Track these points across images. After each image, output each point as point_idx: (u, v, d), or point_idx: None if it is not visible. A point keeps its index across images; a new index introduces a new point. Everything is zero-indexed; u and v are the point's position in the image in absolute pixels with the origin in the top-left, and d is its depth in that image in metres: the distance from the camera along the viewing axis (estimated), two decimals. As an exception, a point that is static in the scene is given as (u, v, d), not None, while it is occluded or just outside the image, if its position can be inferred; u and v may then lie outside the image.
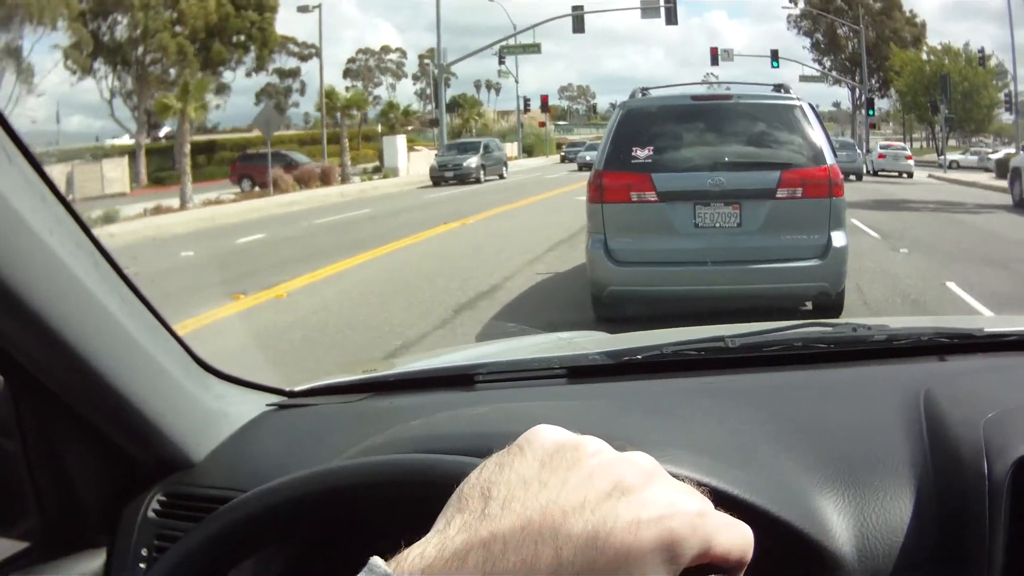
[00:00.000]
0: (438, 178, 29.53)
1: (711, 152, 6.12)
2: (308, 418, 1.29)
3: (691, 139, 6.26)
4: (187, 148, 25.60)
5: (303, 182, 29.30)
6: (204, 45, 41.23)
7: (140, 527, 1.09)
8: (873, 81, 52.75)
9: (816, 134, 6.06)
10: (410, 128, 54.87)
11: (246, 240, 14.56)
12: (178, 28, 39.94)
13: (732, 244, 5.91)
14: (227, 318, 7.75)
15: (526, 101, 59.49)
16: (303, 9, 43.30)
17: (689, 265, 5.92)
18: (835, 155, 6.16)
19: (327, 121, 43.27)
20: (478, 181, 29.63)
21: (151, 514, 1.09)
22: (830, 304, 6.01)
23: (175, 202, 23.28)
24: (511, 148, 57.47)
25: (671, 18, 36.46)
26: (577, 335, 2.08)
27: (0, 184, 0.82)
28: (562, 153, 50.38)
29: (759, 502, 0.80)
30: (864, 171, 29.69)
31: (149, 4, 38.62)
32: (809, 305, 6.19)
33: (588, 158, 35.09)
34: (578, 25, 37.27)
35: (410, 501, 0.73)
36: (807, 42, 60.18)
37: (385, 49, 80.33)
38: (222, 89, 54.34)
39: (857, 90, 54.33)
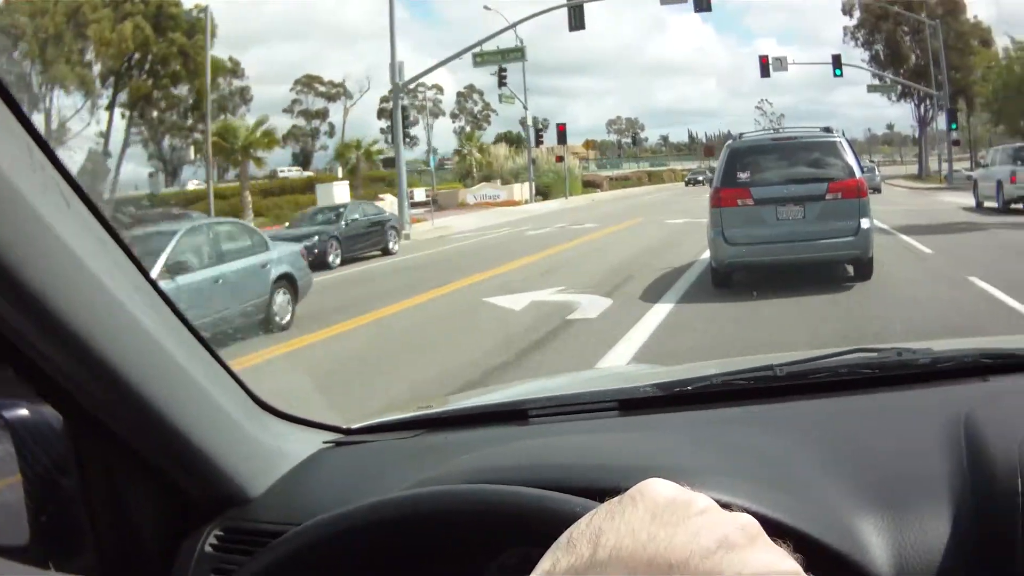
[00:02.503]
0: None
1: (785, 172, 10.03)
2: (364, 454, 1.31)
3: (771, 164, 10.19)
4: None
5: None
6: (119, 77, 34.87)
7: (197, 561, 1.10)
8: (941, 94, 44.46)
9: (850, 158, 9.97)
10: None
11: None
12: (90, 58, 34.09)
13: (800, 229, 9.74)
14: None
15: (538, 132, 47.09)
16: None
17: (774, 243, 9.76)
18: (862, 171, 10.11)
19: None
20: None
21: (208, 548, 1.11)
22: (862, 266, 9.76)
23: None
24: (521, 189, 45.04)
25: (701, 4, 28.23)
26: (628, 368, 2.05)
27: (61, 229, 0.84)
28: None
29: (800, 526, 0.83)
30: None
31: (46, 31, 31.61)
32: (850, 270, 9.99)
33: None
34: (576, 21, 28.73)
35: (475, 531, 0.78)
36: (866, 55, 54.07)
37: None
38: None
39: (922, 106, 51.01)
